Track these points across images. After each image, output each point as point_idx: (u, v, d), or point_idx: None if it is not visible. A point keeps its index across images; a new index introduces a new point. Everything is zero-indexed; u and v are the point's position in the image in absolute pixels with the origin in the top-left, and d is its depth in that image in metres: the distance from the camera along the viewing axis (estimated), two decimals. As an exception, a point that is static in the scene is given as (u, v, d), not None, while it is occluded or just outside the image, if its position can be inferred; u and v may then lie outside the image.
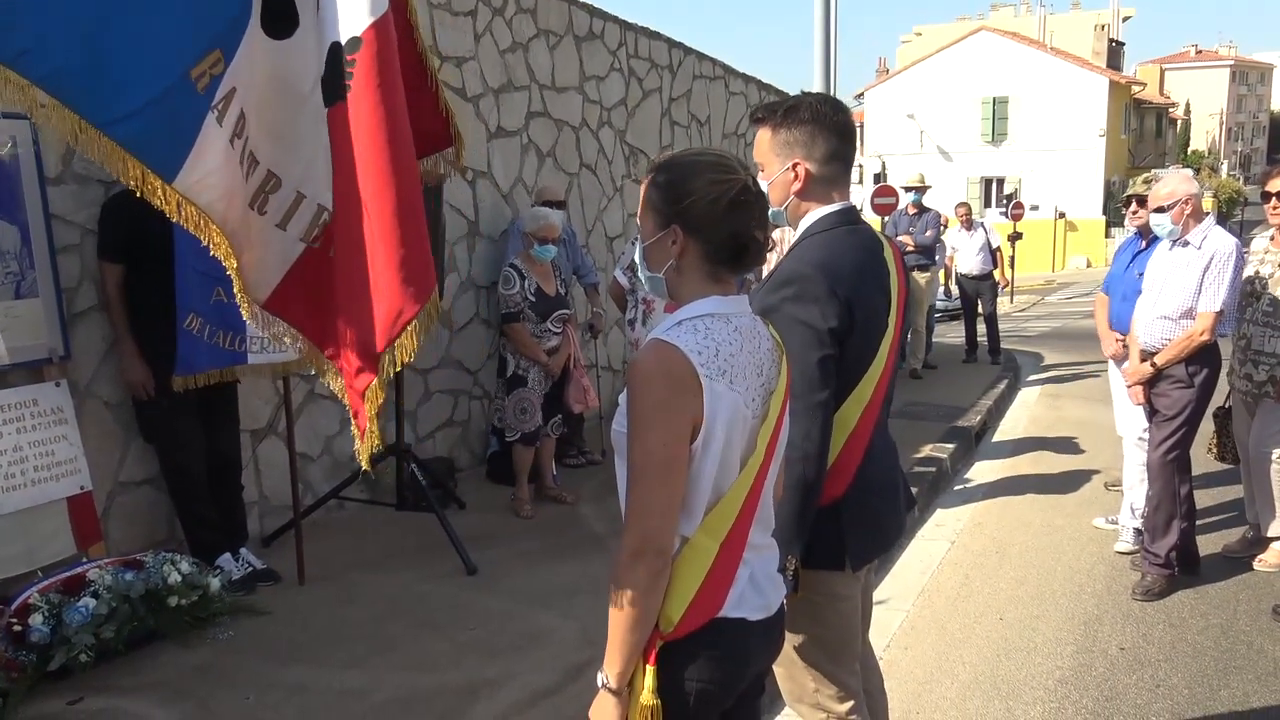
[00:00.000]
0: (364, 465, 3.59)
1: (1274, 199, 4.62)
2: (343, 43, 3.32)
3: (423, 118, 3.74)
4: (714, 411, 1.71)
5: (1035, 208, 36.51)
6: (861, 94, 45.98)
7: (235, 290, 3.43)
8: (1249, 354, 4.74)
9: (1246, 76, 76.60)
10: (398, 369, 3.51)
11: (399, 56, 3.48)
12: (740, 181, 1.79)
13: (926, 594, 4.74)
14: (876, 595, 4.74)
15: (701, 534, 1.76)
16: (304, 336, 3.70)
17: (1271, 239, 4.78)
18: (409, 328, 3.42)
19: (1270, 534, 4.87)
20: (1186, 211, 4.59)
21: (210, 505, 4.50)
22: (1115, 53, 49.10)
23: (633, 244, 6.15)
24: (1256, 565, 4.85)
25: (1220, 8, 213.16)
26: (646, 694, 1.73)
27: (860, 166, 40.55)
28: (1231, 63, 74.37)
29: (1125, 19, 54.13)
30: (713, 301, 1.79)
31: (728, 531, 1.77)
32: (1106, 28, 49.09)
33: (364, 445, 3.52)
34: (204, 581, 4.00)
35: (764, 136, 2.32)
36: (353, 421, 3.59)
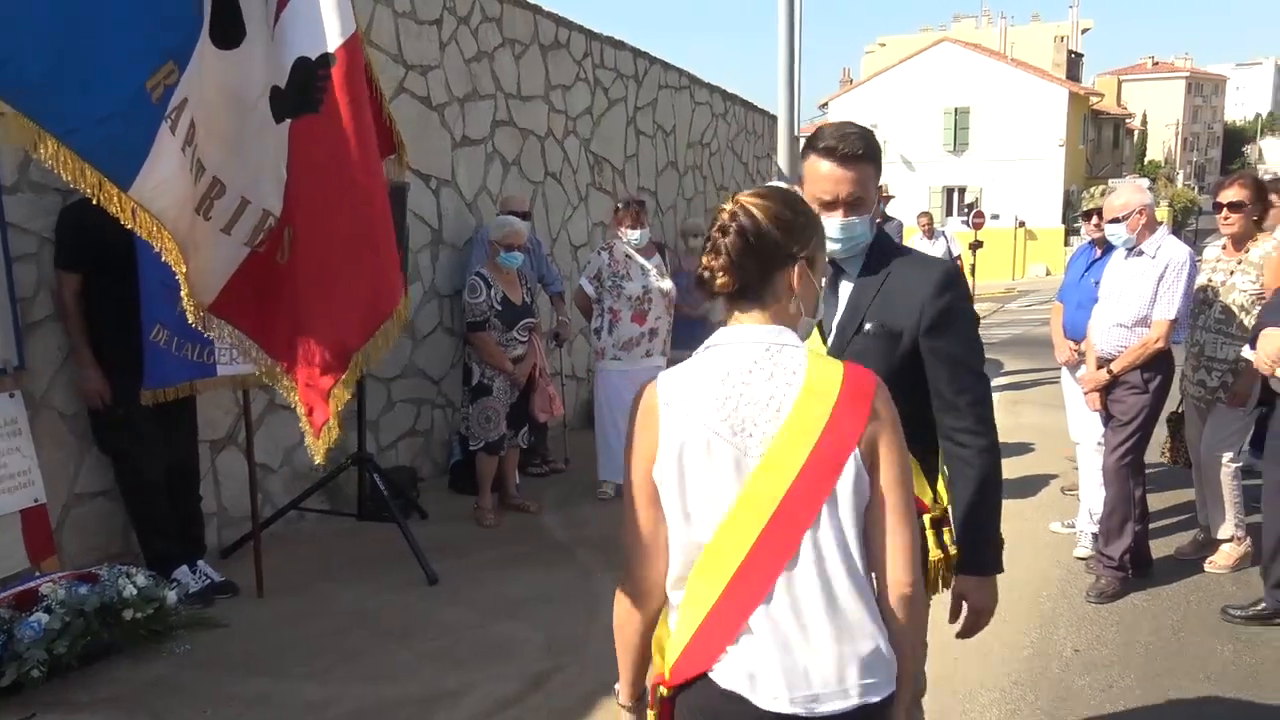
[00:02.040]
0: (318, 459, 3.64)
1: (1225, 209, 4.73)
2: (313, 59, 3.44)
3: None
4: (668, 437, 1.67)
5: (996, 216, 36.95)
6: (826, 104, 46.36)
7: (182, 294, 3.48)
8: (1202, 360, 4.84)
9: (1201, 88, 78.14)
10: (364, 370, 3.71)
11: None
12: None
13: (887, 599, 4.78)
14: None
15: (696, 575, 1.67)
16: (251, 339, 3.76)
17: (1224, 248, 4.88)
18: (379, 331, 3.62)
19: (1220, 536, 4.96)
20: (1141, 222, 4.68)
21: (168, 516, 4.45)
22: (1074, 64, 49.86)
23: (598, 253, 6.18)
24: (1207, 567, 4.94)
25: (1176, 20, 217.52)
26: None
27: (825, 175, 40.83)
28: (1187, 74, 75.83)
29: (1084, 31, 55.03)
30: (719, 334, 1.77)
31: (729, 579, 1.63)
32: (1065, 39, 49.88)
33: (319, 442, 3.60)
34: (160, 594, 3.96)
35: (869, 172, 2.26)
36: (304, 419, 3.64)
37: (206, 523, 4.80)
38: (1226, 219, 4.74)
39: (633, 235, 6.03)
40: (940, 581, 2.34)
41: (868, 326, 2.22)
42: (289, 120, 3.50)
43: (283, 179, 3.55)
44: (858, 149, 2.20)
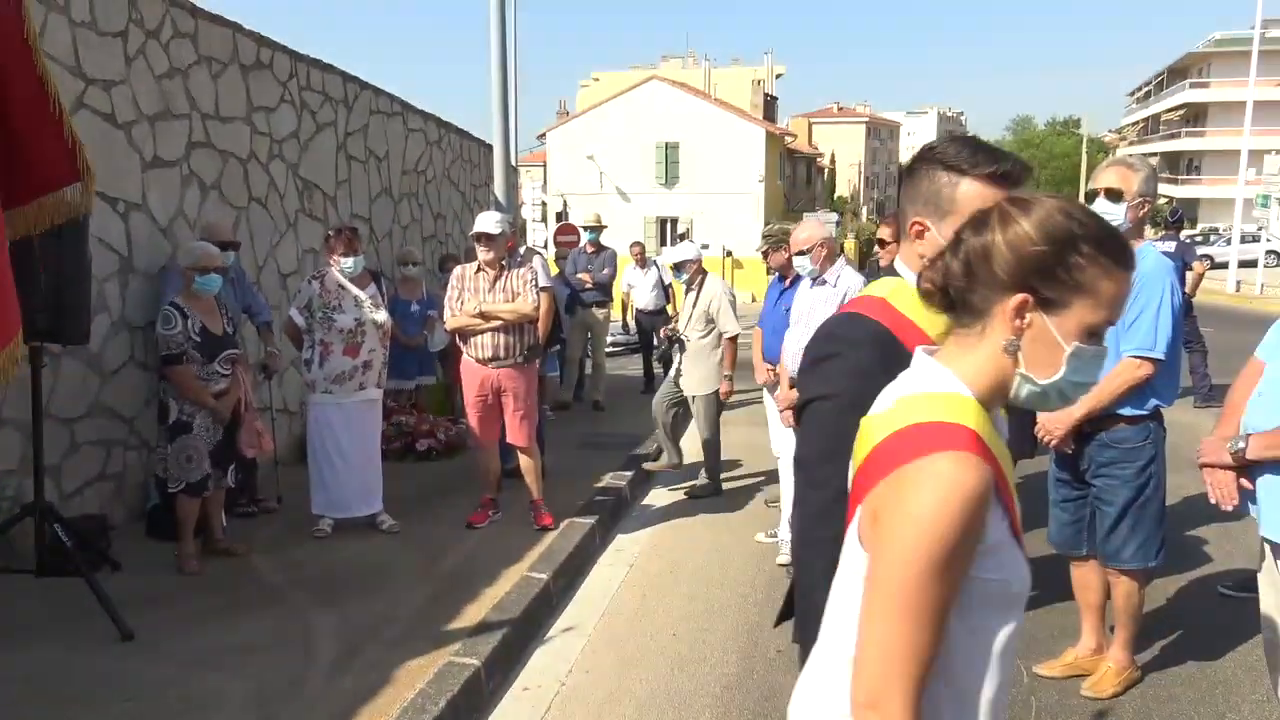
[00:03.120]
0: None
1: (878, 244, 5.38)
2: None
3: (45, 147, 3.43)
4: None
5: (705, 246, 38.94)
6: (544, 134, 47.18)
7: None
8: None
9: (879, 132, 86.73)
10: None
11: (11, 76, 3.20)
12: None
13: (607, 617, 4.93)
14: (560, 623, 4.88)
15: None
16: None
17: (890, 277, 5.47)
18: None
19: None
20: (823, 254, 5.19)
21: None
22: (770, 106, 53.73)
23: (309, 282, 5.95)
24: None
25: (856, 69, 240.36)
26: None
27: (543, 204, 41.54)
28: (867, 119, 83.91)
29: (778, 76, 59.50)
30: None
31: None
32: (762, 83, 53.68)
33: None
34: None
35: None
36: None
37: None
38: (883, 253, 5.36)
39: (346, 263, 5.87)
40: None
41: None
42: None
43: None
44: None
